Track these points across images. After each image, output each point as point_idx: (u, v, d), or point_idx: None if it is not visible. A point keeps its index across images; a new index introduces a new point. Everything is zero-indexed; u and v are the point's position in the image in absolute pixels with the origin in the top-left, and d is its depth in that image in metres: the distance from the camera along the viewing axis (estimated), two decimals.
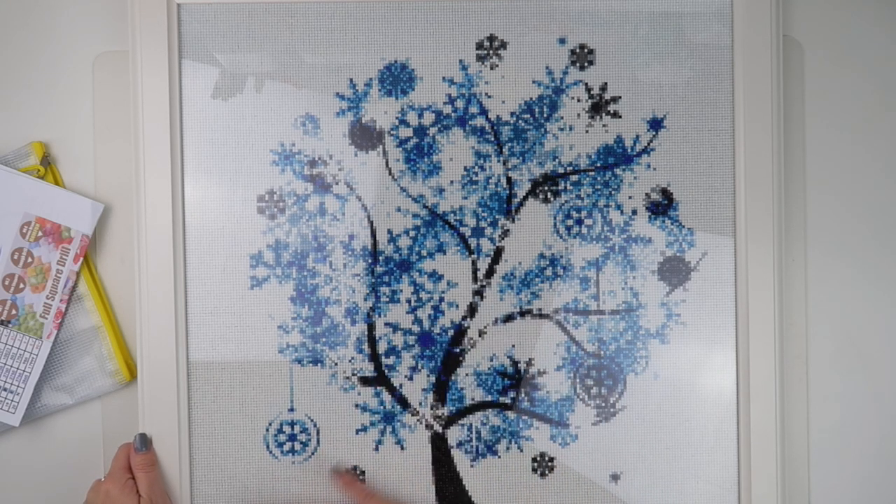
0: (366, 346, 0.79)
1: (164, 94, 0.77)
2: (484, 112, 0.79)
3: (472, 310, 0.79)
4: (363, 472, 0.79)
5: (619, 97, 0.79)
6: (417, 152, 0.79)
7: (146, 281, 0.77)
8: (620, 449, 0.79)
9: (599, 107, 0.79)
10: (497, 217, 0.79)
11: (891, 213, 0.81)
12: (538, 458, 0.79)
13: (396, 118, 0.79)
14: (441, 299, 0.79)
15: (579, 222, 0.79)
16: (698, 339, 0.79)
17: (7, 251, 0.79)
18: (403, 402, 0.79)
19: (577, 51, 0.79)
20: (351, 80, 0.79)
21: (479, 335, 0.79)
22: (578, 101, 0.79)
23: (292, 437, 0.79)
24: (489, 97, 0.79)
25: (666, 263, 0.79)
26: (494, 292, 0.79)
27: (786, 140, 0.80)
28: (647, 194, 0.79)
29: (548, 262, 0.79)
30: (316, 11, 0.79)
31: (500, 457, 0.79)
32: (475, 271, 0.79)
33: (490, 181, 0.79)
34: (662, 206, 0.79)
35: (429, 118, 0.79)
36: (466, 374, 0.79)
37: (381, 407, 0.79)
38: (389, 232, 0.79)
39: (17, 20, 0.81)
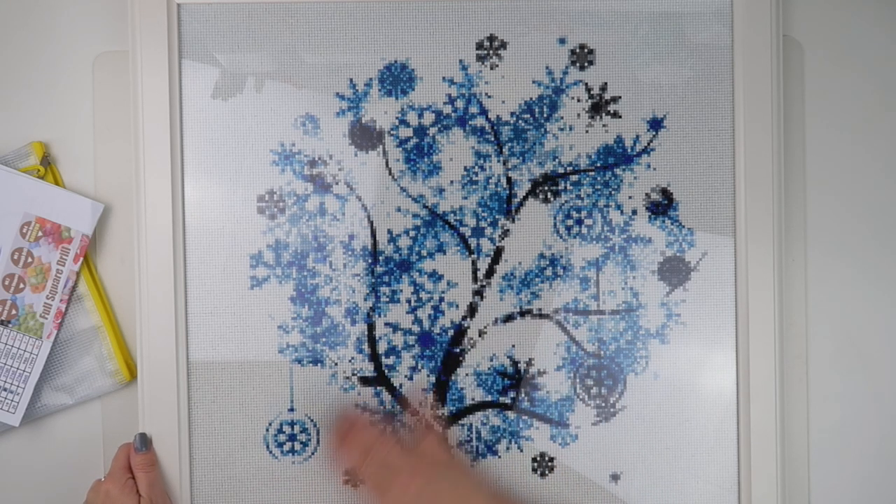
0: (366, 346, 0.79)
1: (164, 94, 0.77)
2: (484, 112, 0.79)
3: (472, 310, 0.79)
4: None
5: (619, 97, 0.79)
6: (417, 152, 0.79)
7: (146, 281, 0.77)
8: (620, 449, 0.79)
9: (599, 107, 0.79)
10: (497, 217, 0.79)
11: (891, 213, 0.81)
12: (538, 458, 0.79)
13: (396, 118, 0.79)
14: (441, 299, 0.79)
15: (579, 222, 0.79)
16: (698, 339, 0.79)
17: (7, 251, 0.79)
18: (403, 402, 0.79)
19: (577, 51, 0.79)
20: (351, 80, 0.79)
21: (479, 335, 0.79)
22: (578, 101, 0.79)
23: (292, 437, 0.79)
24: (489, 97, 0.79)
25: (666, 263, 0.79)
26: (494, 292, 0.79)
27: (786, 140, 0.80)
28: (647, 194, 0.79)
29: (548, 262, 0.79)
30: (316, 11, 0.79)
31: (500, 457, 0.79)
32: (475, 271, 0.79)
33: (490, 181, 0.79)
34: (662, 206, 0.79)
35: (429, 118, 0.79)
36: (466, 374, 0.79)
37: (381, 407, 0.79)
38: (389, 232, 0.79)
39: (17, 20, 0.82)
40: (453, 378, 0.79)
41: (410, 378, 0.79)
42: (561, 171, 0.79)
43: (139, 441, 0.77)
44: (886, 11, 0.81)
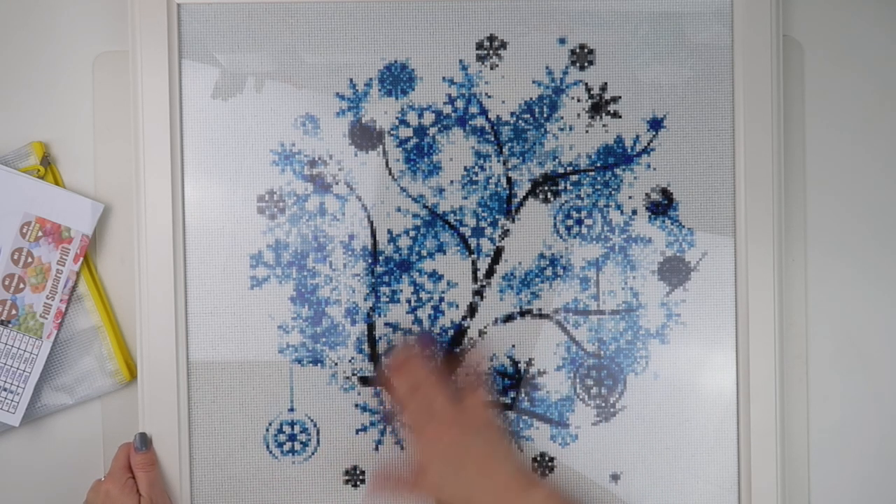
0: (366, 346, 0.79)
1: (164, 94, 0.77)
2: (484, 112, 0.79)
3: (472, 310, 0.79)
4: (363, 472, 0.79)
5: (619, 97, 0.79)
6: (417, 152, 0.79)
7: (146, 281, 0.77)
8: (620, 449, 0.79)
9: (599, 107, 0.79)
10: (497, 217, 0.79)
11: (891, 213, 0.81)
12: (538, 458, 0.79)
13: (396, 118, 0.79)
14: (441, 299, 0.79)
15: (579, 222, 0.79)
16: (698, 339, 0.79)
17: (7, 251, 0.79)
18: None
19: (577, 51, 0.79)
20: (351, 80, 0.79)
21: (479, 335, 0.79)
22: (578, 101, 0.79)
23: (292, 437, 0.79)
24: (489, 97, 0.79)
25: (666, 263, 0.79)
26: (494, 292, 0.79)
27: (786, 140, 0.80)
28: (647, 194, 0.79)
29: (548, 262, 0.79)
30: (316, 11, 0.79)
31: None
32: (475, 271, 0.79)
33: (490, 181, 0.79)
34: (662, 206, 0.79)
35: (429, 118, 0.79)
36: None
37: (381, 407, 0.79)
38: (389, 232, 0.79)
39: (17, 20, 0.82)
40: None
41: None
42: (561, 171, 0.79)
43: (139, 441, 0.77)
44: (886, 11, 0.81)
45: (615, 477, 0.79)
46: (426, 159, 0.79)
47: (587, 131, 0.79)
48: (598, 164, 0.79)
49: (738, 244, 0.78)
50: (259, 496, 0.79)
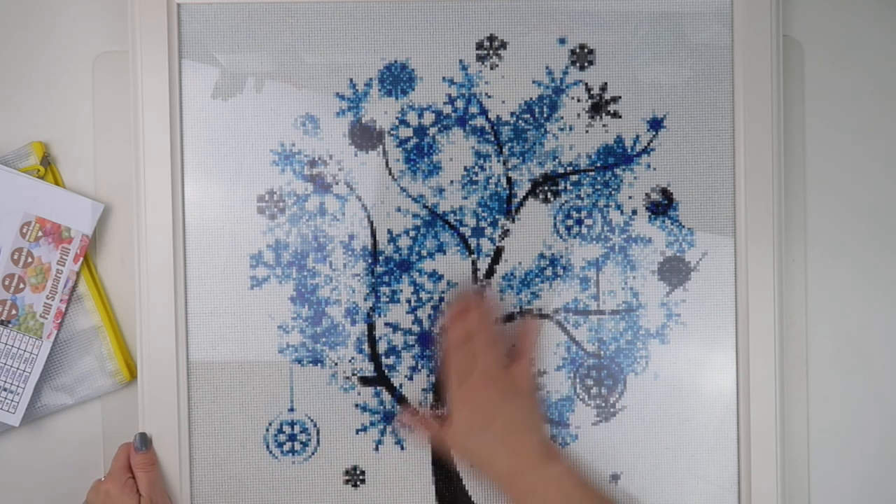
0: (366, 346, 0.79)
1: (164, 94, 0.77)
2: (484, 112, 0.79)
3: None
4: (363, 472, 0.79)
5: (619, 97, 0.79)
6: (417, 152, 0.79)
7: (146, 281, 0.77)
8: (620, 449, 0.79)
9: (599, 107, 0.79)
10: (497, 217, 0.79)
11: (891, 213, 0.81)
12: None
13: (396, 118, 0.79)
14: (441, 299, 0.79)
15: (579, 222, 0.79)
16: (698, 339, 0.79)
17: (7, 251, 0.79)
18: (403, 402, 0.79)
19: (577, 51, 0.79)
20: (351, 80, 0.79)
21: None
22: (578, 101, 0.79)
23: (292, 437, 0.79)
24: (489, 97, 0.79)
25: (666, 263, 0.79)
26: (494, 292, 0.79)
27: (786, 140, 0.80)
28: (647, 194, 0.79)
29: (548, 262, 0.79)
30: (316, 11, 0.79)
31: None
32: (475, 271, 0.79)
33: (490, 181, 0.79)
34: (662, 206, 0.79)
35: (429, 118, 0.79)
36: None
37: (381, 407, 0.79)
38: (389, 232, 0.79)
39: (17, 20, 0.82)
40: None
41: (410, 378, 0.79)
42: (561, 171, 0.79)
43: (139, 441, 0.77)
44: (886, 11, 0.81)
45: (615, 477, 0.79)
46: (426, 159, 0.79)
47: (587, 131, 0.79)
48: (598, 164, 0.79)
49: (738, 244, 0.78)
50: (259, 496, 0.79)
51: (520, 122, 0.79)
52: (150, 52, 0.77)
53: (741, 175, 0.78)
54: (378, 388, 0.79)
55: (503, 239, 0.79)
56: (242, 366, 0.79)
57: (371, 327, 0.79)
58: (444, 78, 0.79)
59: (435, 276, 0.79)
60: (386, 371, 0.79)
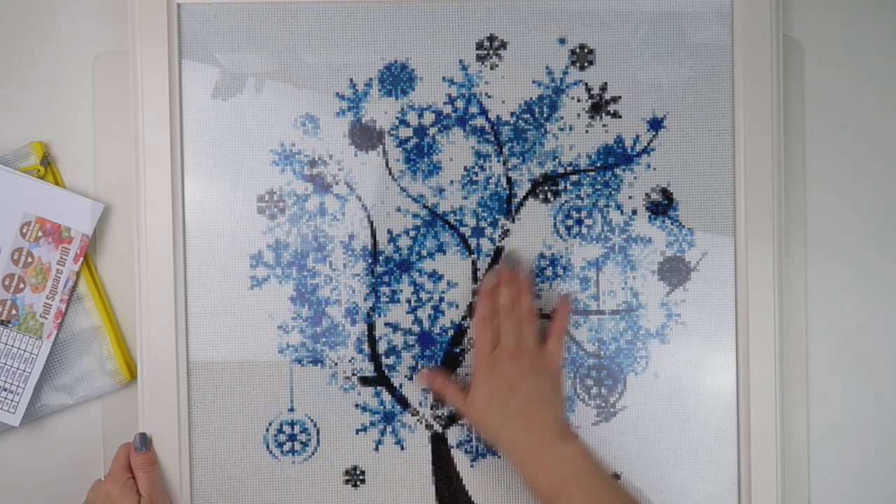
0: (366, 346, 0.79)
1: (164, 94, 0.77)
2: (484, 112, 0.79)
3: (472, 310, 0.79)
4: (363, 472, 0.79)
5: (619, 97, 0.79)
6: (417, 152, 0.79)
7: (146, 281, 0.77)
8: (620, 449, 0.79)
9: (599, 107, 0.79)
10: (497, 217, 0.79)
11: (891, 213, 0.81)
12: None
13: (396, 118, 0.79)
14: (441, 299, 0.79)
15: (579, 222, 0.79)
16: (698, 339, 0.79)
17: (7, 251, 0.79)
18: (403, 402, 0.79)
19: (577, 51, 0.79)
20: (351, 80, 0.79)
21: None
22: (578, 101, 0.79)
23: (292, 437, 0.79)
24: (489, 97, 0.79)
25: (666, 263, 0.79)
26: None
27: (786, 140, 0.80)
28: (647, 194, 0.79)
29: (548, 262, 0.79)
30: (316, 11, 0.79)
31: (500, 457, 0.79)
32: (475, 271, 0.79)
33: (490, 181, 0.79)
34: (662, 206, 0.79)
35: (429, 118, 0.79)
36: (467, 374, 0.79)
37: (381, 407, 0.79)
38: (389, 232, 0.79)
39: (17, 20, 0.82)
40: (453, 378, 0.79)
41: (410, 378, 0.79)
42: (561, 171, 0.79)
43: (139, 441, 0.77)
44: (886, 11, 0.81)
45: (615, 477, 0.79)
46: (426, 159, 0.79)
47: (587, 131, 0.79)
48: (598, 164, 0.79)
49: (738, 244, 0.78)
50: (259, 496, 0.79)
51: (520, 122, 0.79)
52: (150, 52, 0.77)
53: (741, 175, 0.78)
54: (378, 388, 0.79)
55: (503, 239, 0.79)
56: (242, 366, 0.79)
57: (371, 327, 0.79)
58: (444, 78, 0.79)
59: (435, 276, 0.79)
60: (386, 371, 0.79)
